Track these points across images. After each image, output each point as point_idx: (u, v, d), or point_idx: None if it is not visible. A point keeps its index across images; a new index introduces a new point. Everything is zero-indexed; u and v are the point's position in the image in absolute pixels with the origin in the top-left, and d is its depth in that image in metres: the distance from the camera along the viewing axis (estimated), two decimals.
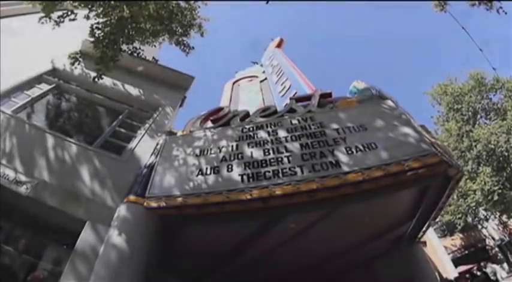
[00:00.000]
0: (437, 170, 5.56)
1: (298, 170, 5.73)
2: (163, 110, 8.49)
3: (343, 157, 5.76)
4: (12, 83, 8.04)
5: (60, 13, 7.23)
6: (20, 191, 5.98)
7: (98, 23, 7.16)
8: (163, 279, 10.89)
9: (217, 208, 5.70)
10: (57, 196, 6.02)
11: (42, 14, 7.15)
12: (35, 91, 8.41)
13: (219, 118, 7.78)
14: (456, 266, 25.13)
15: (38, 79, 8.75)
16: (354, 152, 5.81)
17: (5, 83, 7.88)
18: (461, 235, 27.81)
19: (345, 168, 5.53)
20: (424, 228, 8.69)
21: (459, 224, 23.15)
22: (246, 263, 9.36)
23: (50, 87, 8.63)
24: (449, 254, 27.62)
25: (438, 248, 26.67)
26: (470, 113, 23.04)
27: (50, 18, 7.17)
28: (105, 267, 5.24)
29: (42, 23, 7.27)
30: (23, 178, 6.14)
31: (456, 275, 22.62)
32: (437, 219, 8.08)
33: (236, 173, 6.02)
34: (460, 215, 22.18)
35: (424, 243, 10.31)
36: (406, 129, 6.04)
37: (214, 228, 6.81)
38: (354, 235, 8.20)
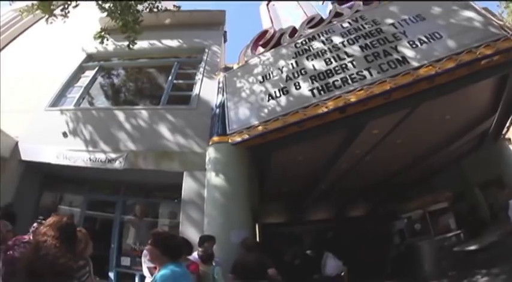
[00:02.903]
0: None
1: (366, 73, 5.53)
2: (210, 50, 8.48)
3: (408, 52, 5.43)
4: (59, 84, 8.55)
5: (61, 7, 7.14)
6: (116, 166, 6.58)
7: None
8: (266, 206, 11.78)
9: (298, 127, 5.75)
10: (149, 159, 6.53)
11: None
12: (84, 80, 8.85)
13: (267, 41, 7.56)
14: None
15: (80, 70, 9.16)
16: (419, 44, 5.44)
17: (52, 87, 8.46)
18: None
19: (414, 64, 5.23)
20: (507, 123, 8.31)
21: None
22: (339, 176, 9.55)
23: (94, 71, 8.99)
24: None
25: None
26: None
27: (54, 15, 7.10)
28: (214, 207, 5.73)
29: (51, 22, 7.23)
30: (113, 155, 6.72)
31: None
32: None
33: (305, 89, 5.95)
34: None
35: (509, 140, 9.61)
36: (468, 13, 5.48)
37: (300, 149, 6.89)
38: (437, 135, 7.94)
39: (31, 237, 3.57)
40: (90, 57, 9.34)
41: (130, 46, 7.13)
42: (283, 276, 4.95)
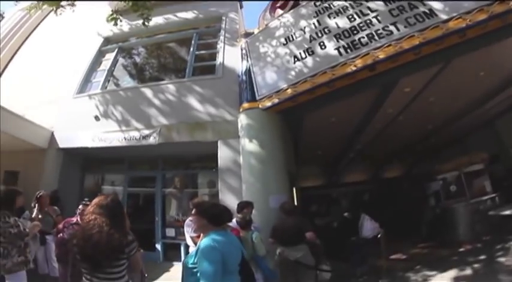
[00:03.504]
0: None
1: (392, 28, 5.27)
2: (227, 18, 8.33)
3: (435, 4, 5.07)
4: (82, 71, 8.77)
5: None
6: (151, 142, 6.79)
7: None
8: (303, 170, 11.94)
9: (327, 87, 5.66)
10: (182, 131, 6.69)
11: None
12: (106, 64, 9.00)
13: (285, 2, 7.32)
14: None
15: (100, 54, 9.28)
16: None
17: (76, 75, 8.71)
18: None
19: (443, 16, 4.90)
20: None
21: None
22: (373, 137, 9.50)
23: (114, 53, 9.09)
24: None
25: None
26: None
27: (62, 6, 7.11)
28: (251, 174, 5.84)
29: (60, 13, 7.25)
30: (146, 132, 6.94)
31: None
32: None
33: (331, 48, 5.78)
34: None
35: None
36: None
37: (332, 110, 6.86)
38: (471, 93, 7.64)
39: (78, 219, 3.84)
40: (107, 41, 9.43)
41: (145, 23, 7.11)
42: (321, 239, 5.03)
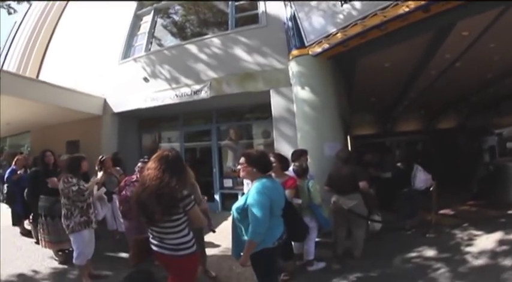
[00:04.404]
0: None
1: None
2: None
3: None
4: (122, 37, 9.03)
5: None
6: (202, 96, 6.99)
7: None
8: (356, 118, 11.90)
9: (379, 31, 5.32)
10: (233, 83, 6.78)
11: None
12: (145, 26, 9.09)
13: None
14: None
15: (137, 18, 9.36)
16: None
17: (117, 43, 9.00)
18: None
19: None
20: None
21: None
22: (428, 84, 9.15)
23: (151, 15, 9.09)
24: None
25: None
26: None
27: None
28: (305, 121, 5.85)
29: None
30: (197, 87, 7.13)
31: None
32: None
33: None
34: None
35: None
36: None
37: (385, 55, 6.55)
38: None
39: (138, 176, 4.01)
40: (141, 4, 9.42)
41: None
42: (374, 188, 5.07)
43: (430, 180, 5.31)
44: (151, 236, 2.39)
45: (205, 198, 3.92)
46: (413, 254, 4.19)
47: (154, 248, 2.36)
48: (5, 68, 22.21)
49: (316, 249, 4.03)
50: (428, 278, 3.40)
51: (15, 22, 27.99)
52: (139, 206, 2.31)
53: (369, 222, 4.67)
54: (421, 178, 5.36)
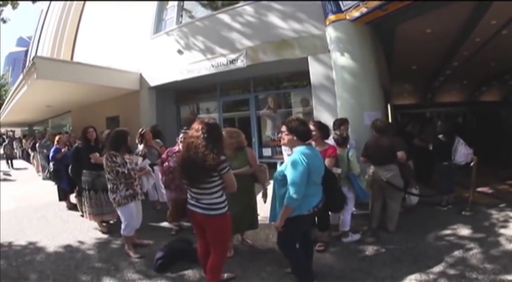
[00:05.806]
0: None
1: None
2: None
3: None
4: (151, 13, 9.17)
5: None
6: (239, 65, 7.00)
7: None
8: (396, 86, 11.51)
9: None
10: (269, 51, 6.71)
11: None
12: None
13: None
14: None
15: None
16: None
17: (146, 19, 9.18)
18: None
19: None
20: None
21: None
22: (472, 53, 8.71)
23: None
24: None
25: None
26: None
27: None
28: (344, 89, 5.72)
29: None
30: (233, 56, 7.14)
31: None
32: None
33: None
34: None
35: None
36: None
37: (427, 20, 6.26)
38: None
39: (180, 147, 4.11)
40: None
41: None
42: (412, 160, 4.88)
43: (471, 155, 5.07)
44: (189, 197, 2.62)
45: (265, 165, 3.96)
46: (447, 232, 4.13)
47: (191, 207, 2.59)
48: (38, 54, 23.21)
49: (352, 220, 4.04)
50: (460, 257, 3.35)
51: (42, 10, 28.86)
52: (183, 169, 2.53)
53: (406, 195, 4.60)
54: (462, 152, 5.09)
